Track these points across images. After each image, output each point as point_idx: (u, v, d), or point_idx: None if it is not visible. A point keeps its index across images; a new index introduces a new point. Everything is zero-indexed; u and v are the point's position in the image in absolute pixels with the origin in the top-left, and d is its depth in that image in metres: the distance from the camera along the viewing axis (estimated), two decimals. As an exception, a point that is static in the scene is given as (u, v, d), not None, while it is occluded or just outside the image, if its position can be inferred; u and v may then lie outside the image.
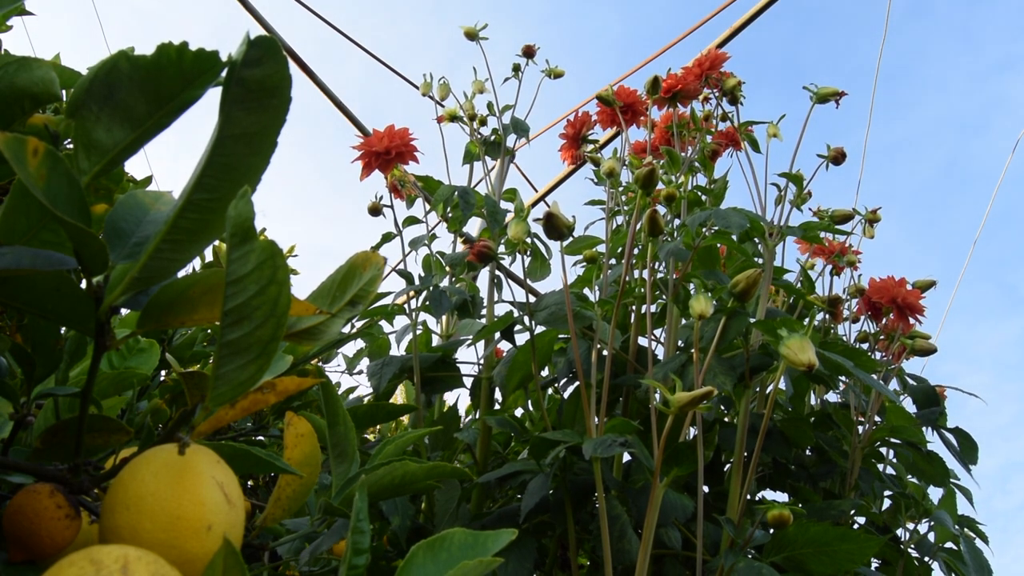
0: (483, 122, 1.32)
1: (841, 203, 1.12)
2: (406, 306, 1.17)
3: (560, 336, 1.05)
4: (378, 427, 1.40)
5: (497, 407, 1.16)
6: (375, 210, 1.21)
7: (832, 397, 1.22)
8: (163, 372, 0.78)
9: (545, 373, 1.12)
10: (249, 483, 1.08)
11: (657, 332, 1.14)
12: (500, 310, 1.37)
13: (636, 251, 1.05)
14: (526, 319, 0.95)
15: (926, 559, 1.09)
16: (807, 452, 1.10)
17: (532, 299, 1.01)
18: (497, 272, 1.21)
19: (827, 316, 1.22)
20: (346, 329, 1.08)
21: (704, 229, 1.01)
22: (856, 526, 1.08)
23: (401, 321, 1.25)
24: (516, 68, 1.34)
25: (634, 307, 1.08)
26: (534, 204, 2.90)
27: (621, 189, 1.13)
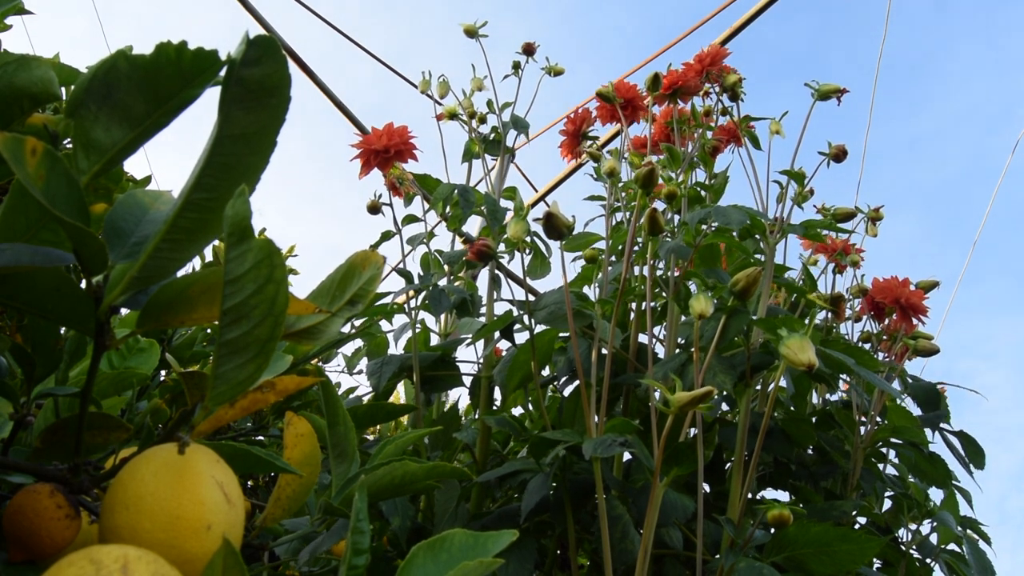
0: (483, 120, 1.32)
1: (850, 200, 1.12)
2: (406, 305, 1.17)
3: (560, 335, 1.05)
4: (378, 427, 1.40)
5: (496, 406, 1.16)
6: (374, 208, 1.20)
7: (834, 397, 1.21)
8: (163, 372, 0.78)
9: (545, 372, 1.12)
10: (249, 483, 1.08)
11: (657, 330, 1.14)
12: (499, 308, 1.37)
13: (636, 249, 1.05)
14: (526, 318, 0.95)
15: (928, 560, 1.09)
16: (808, 452, 1.10)
17: (531, 298, 1.01)
18: (496, 271, 1.21)
19: (829, 315, 1.22)
20: (346, 328, 1.08)
21: (704, 226, 1.00)
22: (857, 526, 1.08)
23: (399, 320, 1.25)
24: (516, 66, 1.34)
25: (634, 305, 1.08)
26: (534, 204, 2.90)
27: (621, 187, 1.13)
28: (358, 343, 1.30)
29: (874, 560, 1.06)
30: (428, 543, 0.36)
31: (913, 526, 1.12)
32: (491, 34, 1.35)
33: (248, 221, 0.31)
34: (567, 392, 1.07)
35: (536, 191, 3.00)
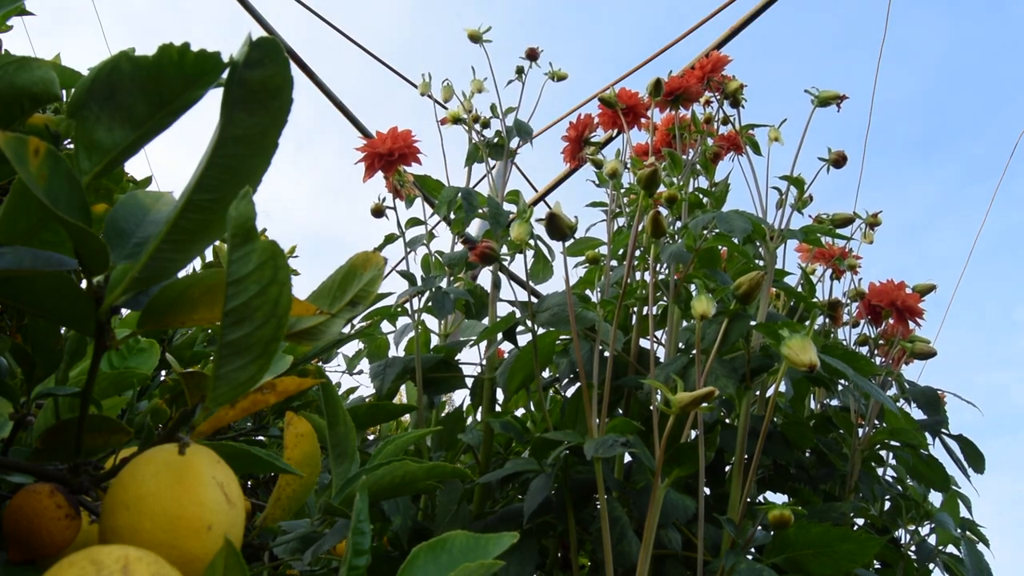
0: (486, 124, 1.32)
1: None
2: (408, 307, 1.17)
3: (562, 337, 1.05)
4: (378, 427, 1.40)
5: (498, 407, 1.16)
6: (378, 212, 1.20)
7: (834, 402, 1.21)
8: (163, 372, 0.78)
9: (546, 374, 1.12)
10: (249, 483, 1.08)
11: (659, 334, 1.14)
12: (501, 310, 1.37)
13: (638, 252, 1.05)
14: (528, 320, 0.95)
15: (926, 563, 1.09)
16: (807, 454, 1.10)
17: (534, 300, 1.01)
18: (498, 273, 1.21)
19: (827, 320, 1.22)
20: (346, 329, 1.08)
21: (705, 231, 1.00)
22: (855, 528, 1.08)
23: (400, 321, 1.25)
24: (520, 71, 1.34)
25: (635, 309, 1.08)
26: (534, 204, 2.90)
27: (623, 191, 1.13)
28: (360, 343, 1.30)
29: (873, 561, 1.06)
30: (429, 544, 0.36)
31: (912, 527, 1.11)
32: (491, 34, 1.35)
33: (252, 222, 0.31)
34: (569, 393, 1.07)
35: (536, 190, 3.00)
